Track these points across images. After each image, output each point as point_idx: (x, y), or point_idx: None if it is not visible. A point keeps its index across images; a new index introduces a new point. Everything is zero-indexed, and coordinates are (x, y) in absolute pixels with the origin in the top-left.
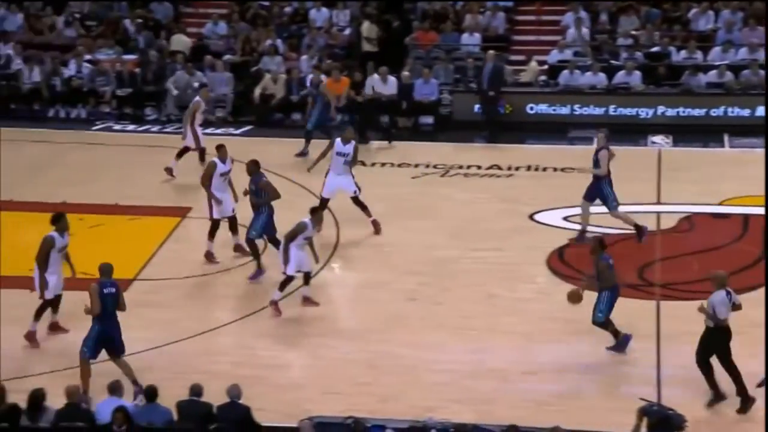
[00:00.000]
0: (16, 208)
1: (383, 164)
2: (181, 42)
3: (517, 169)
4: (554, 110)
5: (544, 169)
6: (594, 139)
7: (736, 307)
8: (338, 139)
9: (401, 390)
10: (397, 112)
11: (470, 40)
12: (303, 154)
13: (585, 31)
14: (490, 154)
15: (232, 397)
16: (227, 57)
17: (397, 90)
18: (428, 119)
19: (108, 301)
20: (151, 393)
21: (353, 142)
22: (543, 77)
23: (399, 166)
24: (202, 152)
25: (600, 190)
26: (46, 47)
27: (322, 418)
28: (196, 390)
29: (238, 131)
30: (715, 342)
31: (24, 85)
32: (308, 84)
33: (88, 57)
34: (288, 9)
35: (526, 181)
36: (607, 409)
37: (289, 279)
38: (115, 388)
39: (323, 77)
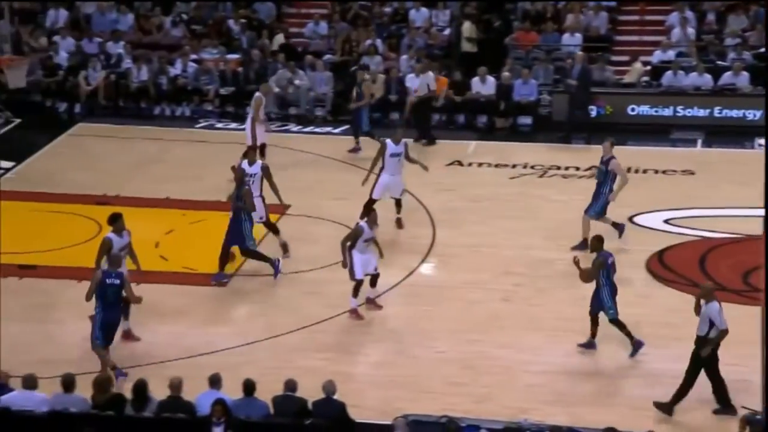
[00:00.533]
0: (123, 203)
1: (480, 164)
2: (282, 42)
3: None
4: (656, 111)
5: (645, 171)
6: (687, 141)
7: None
8: (389, 141)
9: (496, 391)
10: (495, 113)
11: (571, 40)
12: (356, 150)
13: (690, 30)
14: (588, 156)
15: (328, 393)
16: (327, 57)
17: (495, 90)
18: (527, 120)
19: (109, 291)
20: (248, 387)
21: (404, 142)
22: (645, 78)
23: (496, 166)
24: (262, 148)
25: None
26: (153, 47)
27: (417, 417)
28: (291, 385)
29: (337, 130)
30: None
31: (132, 83)
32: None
33: (193, 56)
34: (388, 9)
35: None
36: (706, 417)
37: (359, 283)
38: (214, 381)
39: (367, 76)
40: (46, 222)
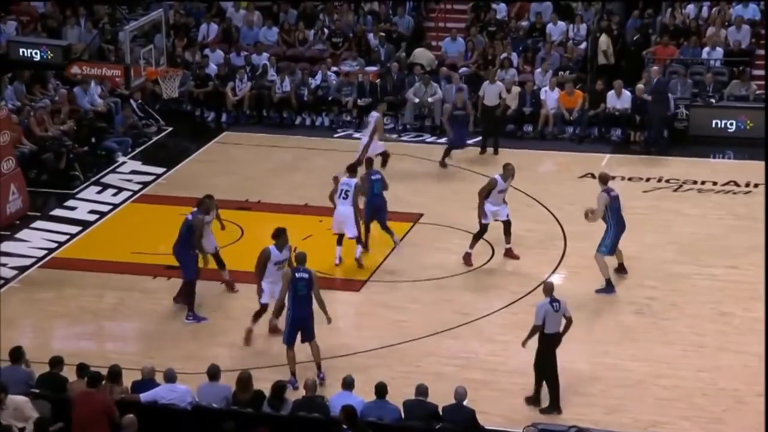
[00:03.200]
0: (263, 209)
1: (613, 177)
2: (424, 56)
3: (756, 186)
4: None
5: None
6: None
7: (567, 319)
8: (499, 177)
9: (627, 403)
10: (630, 126)
11: (712, 54)
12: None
13: None
14: (726, 170)
15: (459, 399)
16: (463, 69)
17: (630, 104)
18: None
19: (299, 285)
20: (380, 390)
21: (511, 179)
22: None
23: (630, 179)
24: (385, 158)
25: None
26: (296, 59)
27: (546, 426)
28: (422, 390)
29: (470, 141)
30: (540, 348)
31: (275, 94)
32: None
33: (333, 68)
34: (525, 23)
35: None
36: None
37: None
38: (348, 383)
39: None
40: None
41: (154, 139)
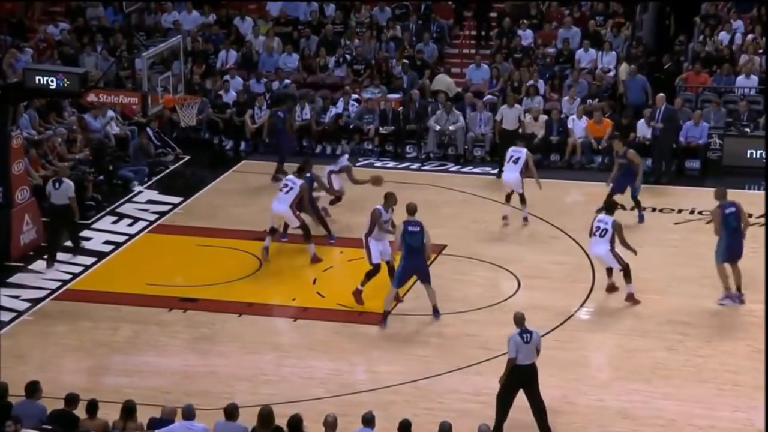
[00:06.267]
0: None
1: (643, 208)
2: (443, 82)
3: None
4: None
5: None
6: None
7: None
8: (381, 207)
9: None
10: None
11: (746, 82)
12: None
13: None
14: (761, 202)
15: None
16: (488, 97)
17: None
18: (694, 163)
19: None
20: (405, 427)
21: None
22: None
23: (661, 210)
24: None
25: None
26: (317, 86)
27: None
28: (446, 428)
29: (495, 170)
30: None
31: (295, 121)
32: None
33: (355, 96)
34: (551, 50)
35: None
36: None
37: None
38: (368, 420)
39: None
40: (208, 256)
41: (171, 167)
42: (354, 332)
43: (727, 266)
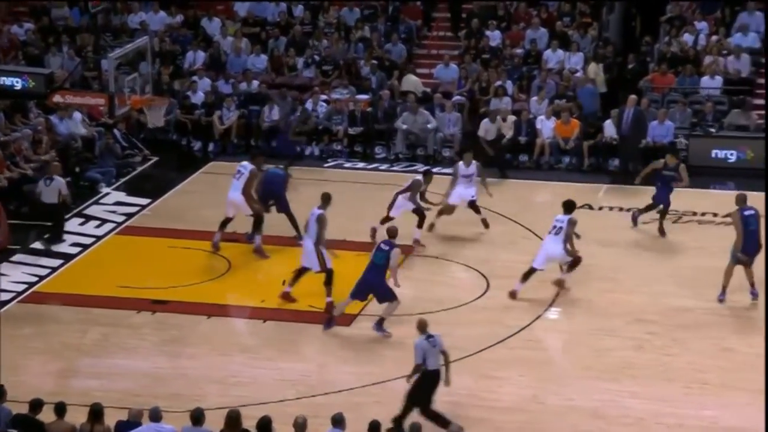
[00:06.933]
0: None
1: (611, 208)
2: (411, 82)
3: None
4: None
5: None
6: None
7: (443, 353)
8: (317, 209)
9: None
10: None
11: (710, 83)
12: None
13: None
14: (727, 201)
15: None
16: (456, 98)
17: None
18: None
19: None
20: (374, 428)
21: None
22: None
23: (628, 210)
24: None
25: None
26: (285, 87)
27: None
28: (416, 428)
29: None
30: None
31: (264, 122)
32: None
33: (324, 97)
34: (520, 51)
35: None
36: None
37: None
38: (338, 421)
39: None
40: (178, 258)
41: (139, 169)
42: (324, 334)
43: (737, 268)
